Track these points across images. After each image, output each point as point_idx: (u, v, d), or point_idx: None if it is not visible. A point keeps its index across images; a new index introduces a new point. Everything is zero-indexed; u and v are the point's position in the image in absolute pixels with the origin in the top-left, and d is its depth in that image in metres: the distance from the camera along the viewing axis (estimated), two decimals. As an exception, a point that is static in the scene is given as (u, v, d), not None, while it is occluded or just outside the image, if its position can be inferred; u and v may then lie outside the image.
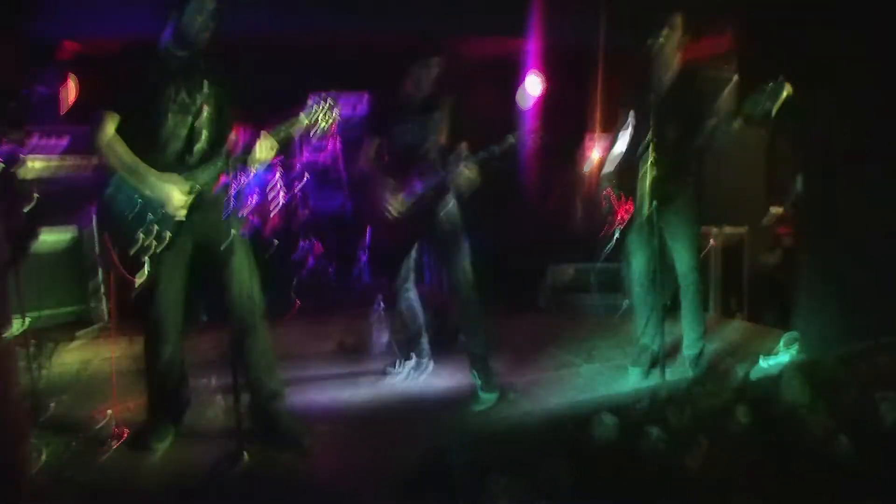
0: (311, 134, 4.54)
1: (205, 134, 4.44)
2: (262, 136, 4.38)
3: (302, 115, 4.47)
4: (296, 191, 8.35)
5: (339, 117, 4.54)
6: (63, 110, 7.97)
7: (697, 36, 6.74)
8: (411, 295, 6.00)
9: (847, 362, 3.87)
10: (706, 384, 3.75)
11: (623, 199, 5.70)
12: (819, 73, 5.52)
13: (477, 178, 5.37)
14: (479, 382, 5.58)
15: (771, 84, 4.87)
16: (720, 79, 7.16)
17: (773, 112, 4.91)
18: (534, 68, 9.77)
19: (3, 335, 3.63)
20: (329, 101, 4.52)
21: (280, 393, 4.74)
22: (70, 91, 8.15)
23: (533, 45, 9.48)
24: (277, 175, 8.05)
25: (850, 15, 5.35)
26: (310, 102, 4.48)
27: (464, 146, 5.47)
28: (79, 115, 7.97)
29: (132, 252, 4.29)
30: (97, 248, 7.00)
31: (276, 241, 7.79)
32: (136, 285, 4.29)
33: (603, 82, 8.81)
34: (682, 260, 5.71)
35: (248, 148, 4.38)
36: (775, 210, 7.66)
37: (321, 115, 4.48)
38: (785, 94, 4.83)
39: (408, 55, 5.69)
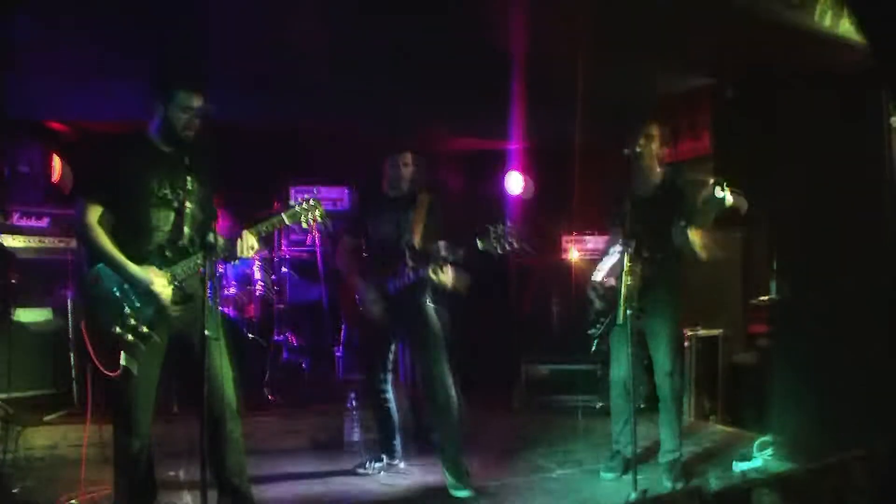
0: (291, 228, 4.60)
1: (186, 229, 4.44)
2: (243, 234, 4.42)
3: (284, 215, 4.55)
4: (273, 283, 8.33)
5: (321, 218, 4.62)
6: (46, 190, 7.98)
7: (675, 140, 6.88)
8: (388, 395, 5.97)
9: (819, 475, 3.84)
10: (676, 501, 3.69)
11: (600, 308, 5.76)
12: (783, 180, 5.64)
13: (449, 279, 5.40)
14: (450, 480, 5.54)
15: (707, 193, 4.97)
16: (697, 181, 7.28)
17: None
18: (515, 167, 9.89)
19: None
20: (311, 201, 4.62)
21: (249, 497, 4.66)
22: (54, 171, 8.18)
23: (514, 145, 9.62)
24: (255, 267, 8.03)
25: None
26: (292, 202, 4.55)
27: (441, 245, 5.49)
28: (62, 195, 7.99)
29: (108, 343, 4.26)
30: (71, 332, 6.94)
31: (250, 334, 7.74)
32: (110, 376, 4.26)
33: (582, 182, 8.89)
34: (662, 365, 5.72)
35: (230, 244, 4.40)
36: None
37: (303, 214, 4.57)
38: (722, 199, 4.92)
39: (382, 153, 5.78)
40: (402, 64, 7.07)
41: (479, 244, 5.00)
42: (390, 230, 5.72)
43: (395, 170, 5.77)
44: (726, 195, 4.98)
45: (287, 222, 4.58)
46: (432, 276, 5.42)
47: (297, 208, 4.58)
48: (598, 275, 5.87)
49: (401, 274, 5.57)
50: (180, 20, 5.97)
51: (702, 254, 5.42)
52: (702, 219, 5.16)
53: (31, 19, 5.70)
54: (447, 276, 5.45)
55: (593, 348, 5.84)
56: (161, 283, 4.29)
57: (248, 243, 4.42)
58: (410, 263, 5.54)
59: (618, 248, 5.58)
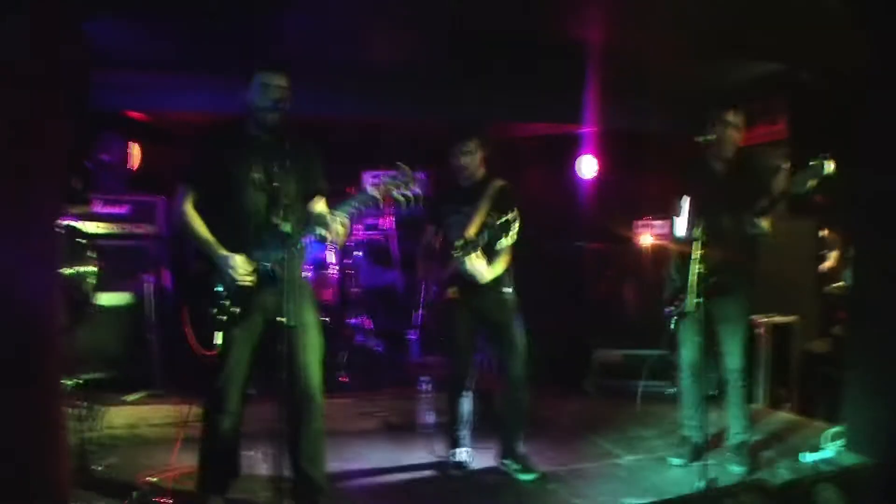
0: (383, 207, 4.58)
1: (281, 213, 4.43)
2: (334, 215, 4.41)
3: (373, 190, 4.43)
4: (347, 266, 8.43)
5: (413, 193, 4.45)
6: (126, 178, 8.19)
7: (749, 125, 6.81)
8: (470, 389, 5.92)
9: (884, 470, 3.83)
10: (739, 494, 3.71)
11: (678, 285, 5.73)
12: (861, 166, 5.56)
13: (481, 269, 5.41)
14: (514, 465, 5.62)
15: (814, 161, 4.88)
16: (772, 166, 7.21)
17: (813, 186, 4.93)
18: (588, 151, 9.85)
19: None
20: (404, 173, 4.44)
21: (324, 489, 4.71)
22: (133, 160, 8.38)
23: (587, 129, 9.57)
24: (330, 250, 8.13)
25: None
26: (382, 177, 4.46)
27: (488, 227, 5.45)
28: (141, 183, 8.19)
29: (205, 322, 4.42)
30: (152, 314, 7.14)
31: (326, 318, 7.86)
32: (207, 355, 4.41)
33: (657, 166, 8.84)
34: (731, 356, 5.70)
35: (323, 226, 4.39)
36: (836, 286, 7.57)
37: (394, 188, 4.41)
38: (826, 170, 4.83)
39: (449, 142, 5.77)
40: (476, 49, 7.10)
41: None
42: (462, 220, 5.66)
43: (459, 159, 5.71)
44: (828, 165, 4.90)
45: (378, 196, 4.40)
46: (463, 265, 5.40)
47: (388, 182, 4.40)
48: (678, 231, 5.81)
49: (452, 264, 5.55)
50: (256, 13, 6.10)
51: (770, 236, 5.40)
52: (803, 187, 5.05)
53: (116, 16, 5.87)
54: (479, 264, 5.41)
55: (672, 326, 5.80)
56: (242, 267, 4.39)
57: (340, 223, 4.39)
58: (458, 247, 5.47)
59: (685, 208, 5.58)
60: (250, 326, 4.51)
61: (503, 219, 5.22)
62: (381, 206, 4.59)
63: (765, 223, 5.35)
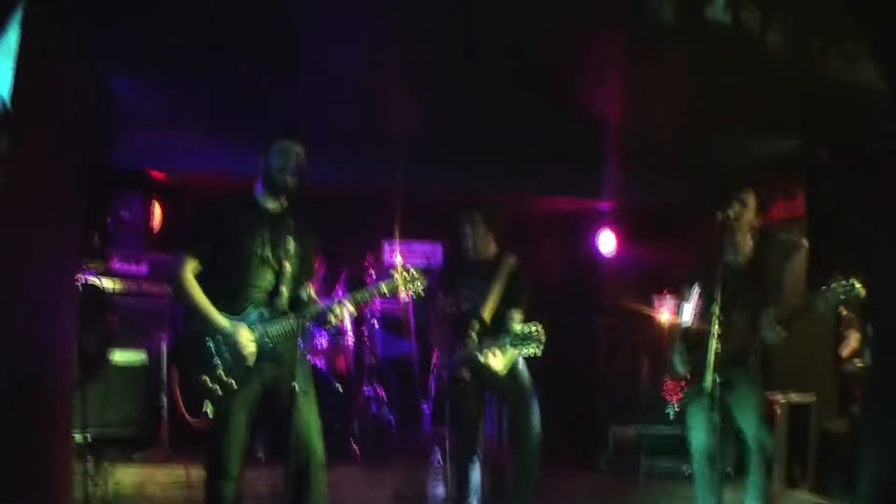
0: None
1: (284, 289, 4.52)
2: (343, 301, 4.49)
3: (384, 285, 4.58)
4: (364, 337, 8.43)
5: (422, 290, 4.63)
6: (146, 237, 8.26)
7: (768, 201, 6.81)
8: (477, 461, 5.81)
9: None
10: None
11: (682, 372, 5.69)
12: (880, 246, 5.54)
13: (498, 364, 5.36)
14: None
15: (843, 284, 4.84)
16: (790, 243, 7.20)
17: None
18: (606, 226, 9.89)
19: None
20: (413, 272, 4.62)
21: None
22: (155, 218, 8.45)
23: (606, 203, 9.63)
24: (347, 320, 8.12)
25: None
26: (393, 272, 4.61)
27: (513, 316, 5.49)
28: (161, 242, 8.25)
29: (195, 389, 4.39)
30: (164, 375, 7.12)
31: (339, 386, 7.84)
32: (192, 422, 4.39)
33: (676, 242, 8.85)
34: (748, 426, 5.57)
35: (326, 309, 4.48)
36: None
37: (403, 285, 4.58)
38: (858, 294, 4.79)
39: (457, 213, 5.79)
40: (497, 123, 7.18)
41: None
42: (473, 297, 5.66)
43: (464, 231, 5.74)
44: (859, 290, 4.87)
45: (386, 293, 4.59)
46: (480, 357, 5.35)
47: (397, 279, 4.58)
48: (684, 318, 5.78)
49: (465, 346, 5.49)
50: (280, 80, 6.19)
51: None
52: (829, 307, 5.02)
53: (142, 76, 5.98)
54: (497, 360, 5.34)
55: (671, 415, 5.74)
56: (246, 338, 4.36)
57: (341, 310, 4.48)
58: (472, 337, 5.44)
59: (692, 302, 5.55)
60: (248, 395, 4.47)
61: (529, 332, 5.15)
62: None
63: (783, 331, 5.29)
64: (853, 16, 4.94)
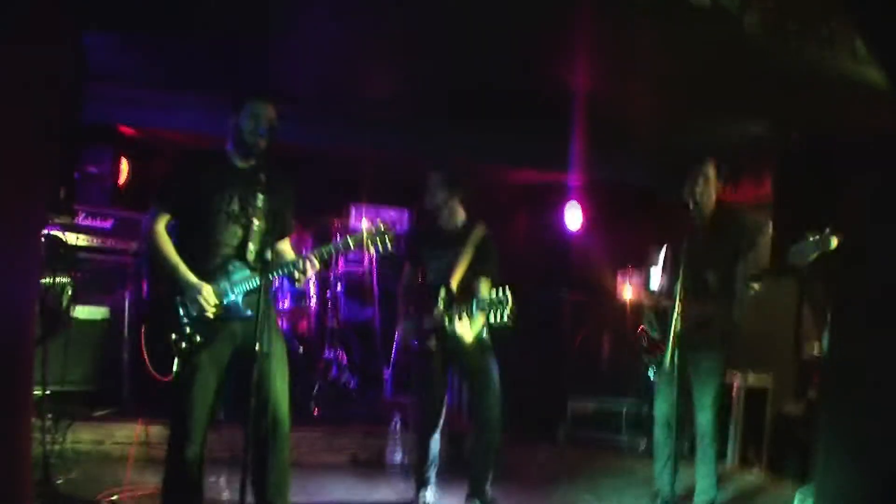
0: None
1: (252, 246, 4.52)
2: (306, 257, 4.48)
3: (349, 239, 4.54)
4: (327, 299, 8.41)
5: (390, 244, 4.54)
6: (112, 193, 8.16)
7: (734, 182, 6.84)
8: (439, 430, 5.82)
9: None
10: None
11: (657, 337, 5.75)
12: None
13: (465, 332, 5.35)
14: (479, 509, 5.57)
15: (818, 235, 4.90)
16: (756, 224, 7.26)
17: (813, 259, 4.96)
18: (574, 200, 9.90)
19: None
20: (382, 227, 4.55)
21: None
22: (122, 174, 8.36)
23: (573, 178, 9.63)
24: (311, 282, 8.10)
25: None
26: (361, 227, 4.58)
27: (483, 284, 5.47)
28: (127, 198, 8.16)
29: (163, 347, 4.38)
30: (126, 331, 7.05)
31: (301, 348, 7.82)
32: (160, 380, 4.37)
33: (642, 219, 8.89)
34: (703, 411, 5.67)
35: (293, 264, 4.48)
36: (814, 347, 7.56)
37: (370, 240, 4.52)
38: (831, 245, 4.86)
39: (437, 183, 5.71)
40: (467, 93, 7.15)
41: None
42: (440, 266, 5.63)
43: (428, 197, 5.70)
44: (832, 240, 4.94)
45: (352, 247, 4.55)
46: (447, 324, 5.36)
47: (364, 233, 4.53)
48: (654, 287, 5.85)
49: (433, 315, 5.49)
50: (253, 38, 6.13)
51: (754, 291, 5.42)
52: (804, 260, 5.09)
53: (112, 31, 5.90)
54: (465, 328, 5.33)
55: (651, 376, 5.81)
56: (209, 294, 4.36)
57: (310, 263, 4.48)
58: (440, 305, 5.45)
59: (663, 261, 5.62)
60: (216, 354, 4.48)
61: (497, 299, 5.10)
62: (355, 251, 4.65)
63: (757, 286, 5.37)
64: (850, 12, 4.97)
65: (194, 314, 4.38)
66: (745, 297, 5.43)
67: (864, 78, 5.67)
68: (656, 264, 5.86)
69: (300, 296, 8.10)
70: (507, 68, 6.59)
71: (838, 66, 5.69)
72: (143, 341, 4.45)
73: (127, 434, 6.34)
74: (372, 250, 4.55)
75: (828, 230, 4.89)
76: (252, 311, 4.38)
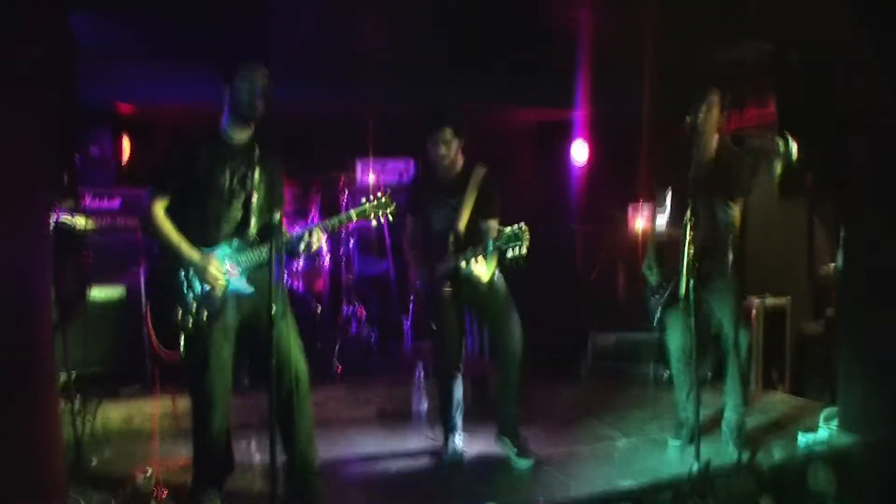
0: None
1: (253, 220, 4.59)
2: (312, 230, 4.54)
3: (353, 212, 4.63)
4: (340, 256, 8.42)
5: (391, 216, 4.69)
6: (117, 172, 8.17)
7: (739, 108, 6.80)
8: (460, 375, 5.89)
9: (876, 450, 3.84)
10: (731, 476, 3.73)
11: (655, 281, 5.78)
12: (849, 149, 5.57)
13: (482, 272, 5.36)
14: (512, 450, 5.63)
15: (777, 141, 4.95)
16: (763, 149, 7.22)
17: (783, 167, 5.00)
18: (580, 136, 9.87)
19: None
20: (383, 198, 4.67)
21: (316, 472, 4.81)
22: (124, 153, 8.37)
23: (579, 114, 9.58)
24: (323, 241, 8.09)
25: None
26: (363, 199, 4.67)
27: (491, 225, 5.46)
28: (132, 175, 8.18)
29: (170, 325, 4.45)
30: (143, 308, 7.07)
31: (319, 306, 7.85)
32: (167, 358, 4.44)
33: (649, 152, 8.86)
34: (728, 335, 5.68)
35: (297, 238, 4.53)
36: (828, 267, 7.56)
37: (373, 212, 4.64)
38: (784, 148, 4.90)
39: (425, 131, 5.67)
40: (465, 34, 7.10)
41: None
42: (445, 214, 5.63)
43: (435, 149, 5.58)
44: (792, 149, 4.97)
45: (354, 219, 4.64)
46: (463, 267, 5.35)
47: (366, 205, 4.64)
48: (661, 222, 5.87)
49: (446, 260, 5.52)
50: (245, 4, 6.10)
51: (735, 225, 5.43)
52: (771, 173, 5.14)
53: (98, 9, 5.86)
54: (481, 267, 5.34)
55: (654, 320, 5.84)
56: (216, 269, 4.43)
57: (315, 238, 4.55)
58: (452, 250, 5.48)
59: (666, 206, 5.63)
60: (226, 326, 4.57)
61: (513, 232, 5.12)
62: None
63: (735, 209, 5.37)
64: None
65: (199, 290, 4.45)
66: (729, 220, 5.42)
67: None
68: (661, 205, 5.85)
69: (313, 255, 8.10)
70: (503, 8, 6.52)
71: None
72: (148, 319, 4.52)
73: (155, 409, 6.39)
74: (374, 222, 4.69)
75: (781, 135, 4.94)
76: (255, 286, 4.50)
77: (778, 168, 5.08)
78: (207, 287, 4.44)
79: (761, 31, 7.08)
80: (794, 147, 5.03)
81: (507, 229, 5.14)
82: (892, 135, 5.41)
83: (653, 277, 5.86)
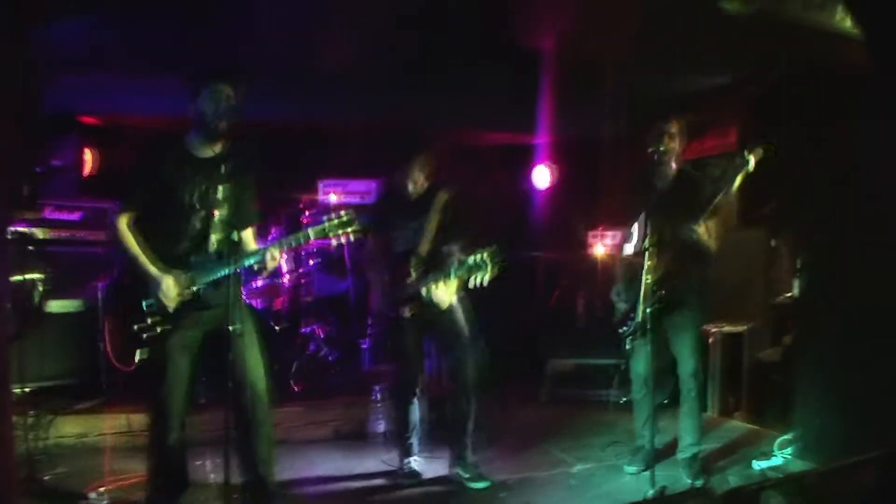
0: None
1: (214, 236, 4.58)
2: (268, 248, 4.52)
3: (310, 231, 4.55)
4: (300, 275, 8.39)
5: (353, 234, 4.55)
6: (78, 184, 8.10)
7: (700, 136, 6.86)
8: (416, 397, 5.91)
9: (830, 478, 3.87)
10: (686, 501, 3.76)
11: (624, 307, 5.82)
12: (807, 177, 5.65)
13: (443, 297, 5.38)
14: (466, 475, 5.63)
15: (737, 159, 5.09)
16: (725, 174, 7.31)
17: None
18: (543, 160, 9.93)
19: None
20: (345, 216, 4.55)
21: (275, 493, 4.78)
22: (86, 164, 8.30)
23: (541, 139, 9.63)
24: (283, 260, 8.08)
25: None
26: (323, 218, 4.59)
27: (454, 250, 5.48)
28: (95, 188, 8.10)
29: (127, 337, 4.42)
30: (101, 323, 7.02)
31: (276, 326, 7.83)
32: (131, 367, 4.40)
33: (612, 176, 8.92)
34: (684, 364, 5.74)
35: (254, 258, 4.51)
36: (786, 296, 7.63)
37: (332, 230, 4.53)
38: (751, 158, 5.04)
39: (410, 147, 5.71)
40: (431, 57, 7.10)
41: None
42: (408, 235, 5.62)
43: (408, 174, 5.66)
44: (751, 160, 5.08)
45: (312, 238, 4.55)
46: (424, 292, 5.38)
47: (325, 224, 4.53)
48: (628, 250, 5.91)
49: (407, 283, 5.50)
50: (212, 17, 6.06)
51: (710, 245, 5.47)
52: (727, 188, 5.22)
53: (62, 18, 5.80)
54: (443, 292, 5.37)
55: (627, 346, 5.86)
56: (171, 285, 4.41)
57: (270, 256, 4.53)
58: (413, 273, 5.47)
59: (637, 229, 5.67)
60: (186, 341, 4.55)
61: (476, 263, 5.15)
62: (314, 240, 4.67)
63: (701, 230, 5.41)
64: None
65: (155, 304, 4.43)
66: (697, 242, 5.47)
67: (820, 24, 5.67)
68: (629, 233, 5.90)
69: (274, 274, 8.07)
70: (471, 31, 6.53)
71: (797, 15, 5.69)
72: (105, 332, 4.50)
73: (111, 425, 6.34)
74: (335, 242, 4.57)
75: (749, 147, 5.07)
76: (215, 301, 4.45)
77: (737, 181, 5.15)
78: (165, 301, 4.39)
79: (726, 61, 7.14)
80: (757, 154, 5.14)
81: (470, 259, 5.17)
82: (851, 163, 5.51)
83: (621, 304, 5.90)
